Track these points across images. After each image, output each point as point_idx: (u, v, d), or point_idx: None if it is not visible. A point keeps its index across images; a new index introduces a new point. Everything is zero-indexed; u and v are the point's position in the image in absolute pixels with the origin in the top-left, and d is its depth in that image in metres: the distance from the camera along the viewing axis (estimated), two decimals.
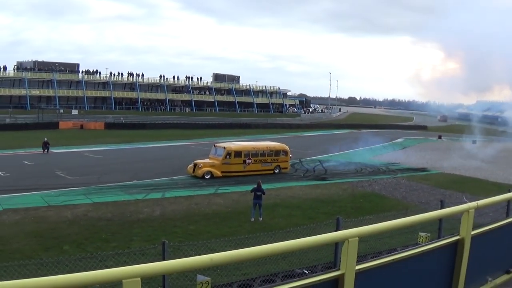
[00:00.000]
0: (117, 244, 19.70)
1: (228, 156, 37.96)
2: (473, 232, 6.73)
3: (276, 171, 40.17)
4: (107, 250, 17.52)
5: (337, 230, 13.41)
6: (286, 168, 41.12)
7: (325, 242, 4.92)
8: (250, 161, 38.83)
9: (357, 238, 4.99)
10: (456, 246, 6.61)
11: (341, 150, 57.93)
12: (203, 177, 36.49)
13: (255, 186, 25.67)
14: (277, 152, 40.60)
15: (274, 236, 14.34)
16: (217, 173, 37.25)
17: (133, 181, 34.22)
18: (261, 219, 24.71)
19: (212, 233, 21.77)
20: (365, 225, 5.27)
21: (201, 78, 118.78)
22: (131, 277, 3.69)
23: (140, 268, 3.78)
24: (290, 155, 42.22)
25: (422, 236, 12.09)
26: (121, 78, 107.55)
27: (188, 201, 28.57)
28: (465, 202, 6.94)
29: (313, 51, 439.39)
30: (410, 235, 14.46)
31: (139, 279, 3.72)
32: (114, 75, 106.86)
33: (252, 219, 24.70)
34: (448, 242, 6.55)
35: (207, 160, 38.16)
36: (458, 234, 6.64)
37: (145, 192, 30.77)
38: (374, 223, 5.39)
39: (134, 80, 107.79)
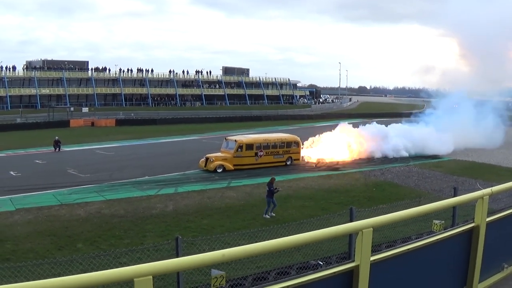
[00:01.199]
0: (130, 241, 19.75)
1: (239, 149, 37.93)
2: (488, 219, 6.65)
3: (288, 162, 40.11)
4: (120, 247, 17.58)
5: (350, 220, 13.36)
6: (298, 159, 41.05)
7: (339, 234, 4.87)
8: (262, 153, 38.78)
9: (371, 228, 4.94)
10: (471, 234, 6.54)
11: None
12: (215, 170, 36.49)
13: (269, 181, 25.03)
14: (288, 144, 40.52)
15: (287, 228, 14.29)
16: (229, 166, 37.24)
17: (145, 177, 34.25)
18: (266, 215, 23.96)
19: (225, 227, 21.80)
20: (378, 215, 5.22)
21: (210, 72, 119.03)
22: (143, 276, 3.67)
23: (151, 266, 3.76)
24: (302, 146, 42.13)
25: (437, 224, 11.94)
26: (131, 74, 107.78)
27: (200, 196, 28.57)
28: (479, 189, 6.85)
29: (322, 42, 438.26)
30: (424, 223, 14.32)
31: (151, 277, 3.70)
32: (123, 71, 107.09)
33: (267, 216, 23.82)
34: (463, 230, 6.48)
35: (218, 154, 38.17)
36: (473, 221, 6.57)
37: (157, 187, 30.79)
38: (388, 213, 5.33)
39: (144, 76, 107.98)
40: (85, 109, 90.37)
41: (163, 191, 29.72)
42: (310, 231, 4.69)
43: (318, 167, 40.24)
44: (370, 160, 43.65)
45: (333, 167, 40.02)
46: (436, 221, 12.26)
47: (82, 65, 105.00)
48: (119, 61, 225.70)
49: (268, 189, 24.63)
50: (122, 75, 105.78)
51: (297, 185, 32.12)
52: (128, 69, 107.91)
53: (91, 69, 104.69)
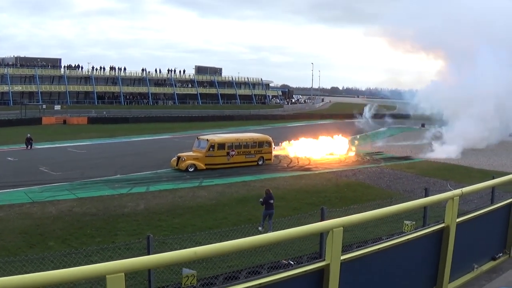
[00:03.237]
0: (102, 239, 19.60)
1: (211, 149, 37.86)
2: (458, 220, 6.72)
3: (260, 162, 40.15)
4: (92, 245, 17.45)
5: (322, 220, 13.40)
6: (270, 159, 41.12)
7: (310, 233, 4.87)
8: (233, 153, 38.77)
9: (342, 228, 4.95)
10: (441, 234, 6.60)
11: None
12: (186, 170, 36.36)
13: (264, 196, 22.33)
14: (260, 144, 40.56)
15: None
16: (201, 165, 37.15)
17: (117, 176, 34.06)
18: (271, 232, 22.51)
19: (197, 226, 21.79)
20: (349, 215, 5.24)
21: (184, 70, 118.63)
22: (115, 273, 3.64)
23: (123, 263, 3.73)
24: (274, 146, 42.25)
25: (407, 225, 12.04)
26: (103, 72, 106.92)
27: (172, 195, 28.49)
28: (450, 190, 6.92)
29: (296, 42, 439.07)
30: (395, 224, 14.46)
31: (123, 274, 3.67)
32: (96, 69, 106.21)
33: (260, 228, 21.13)
34: (433, 230, 6.54)
35: (190, 153, 38.05)
36: (443, 222, 6.63)
37: (129, 186, 30.63)
38: (359, 213, 5.36)
39: (116, 74, 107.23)
40: (57, 107, 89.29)
41: (134, 190, 29.56)
42: (281, 230, 4.69)
43: (290, 167, 40.36)
44: (341, 161, 43.93)
45: (305, 167, 40.17)
46: (407, 222, 12.36)
47: (54, 63, 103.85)
48: (92, 59, 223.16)
49: (266, 202, 22.12)
50: (94, 73, 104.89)
51: (269, 185, 31.99)
52: (100, 67, 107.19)
53: (64, 66, 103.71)
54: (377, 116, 79.42)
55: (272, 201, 22.09)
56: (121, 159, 41.36)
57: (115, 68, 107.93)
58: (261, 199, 22.36)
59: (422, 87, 63.04)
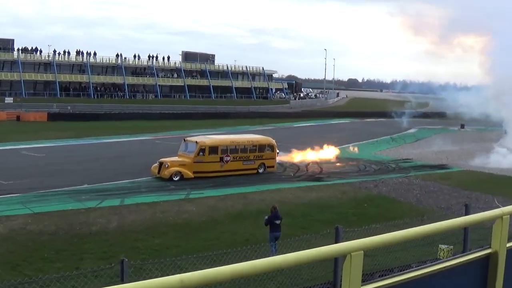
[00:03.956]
0: (63, 265, 19.52)
1: (201, 153, 37.84)
2: (508, 244, 6.67)
3: (261, 170, 40.17)
4: (50, 273, 17.34)
5: (336, 242, 13.38)
6: (273, 166, 41.13)
7: (322, 257, 4.84)
8: (228, 158, 38.74)
9: (362, 252, 4.93)
10: (487, 262, 6.55)
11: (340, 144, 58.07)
12: (170, 178, 36.34)
13: (270, 214, 22.04)
14: (261, 147, 40.56)
15: (258, 250, 14.29)
16: (188, 173, 37.13)
17: (84, 185, 34.05)
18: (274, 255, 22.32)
19: (182, 248, 21.81)
20: (371, 236, 5.21)
21: (168, 57, 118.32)
22: None
23: None
24: (278, 151, 42.21)
25: (443, 250, 12.06)
26: (68, 57, 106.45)
27: (152, 209, 28.48)
28: (498, 207, 6.87)
29: (305, 24, 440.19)
30: (427, 248, 14.49)
31: None
32: (59, 54, 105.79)
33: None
34: (477, 257, 6.49)
35: (175, 158, 38.04)
36: (490, 247, 6.59)
37: (99, 198, 30.60)
38: (382, 233, 5.33)
39: (85, 60, 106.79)
40: (9, 100, 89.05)
41: (106, 203, 29.55)
42: (287, 253, 4.67)
43: (297, 176, 40.36)
44: (360, 169, 43.94)
45: (316, 176, 40.17)
46: (443, 246, 12.34)
47: (6, 44, 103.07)
48: (54, 40, 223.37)
49: (272, 222, 21.78)
50: (57, 58, 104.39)
51: (272, 198, 32.11)
52: (64, 51, 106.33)
53: (18, 49, 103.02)
54: (404, 115, 79.48)
55: (278, 222, 21.74)
56: (89, 165, 41.35)
57: (82, 53, 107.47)
58: (266, 217, 21.98)
59: (487, 82, 62.10)
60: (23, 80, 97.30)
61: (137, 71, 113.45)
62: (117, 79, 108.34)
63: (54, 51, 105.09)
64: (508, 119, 54.75)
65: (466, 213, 14.16)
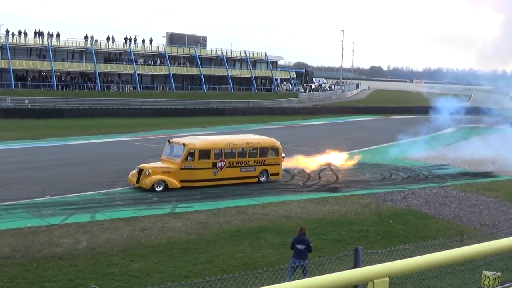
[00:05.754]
0: None
1: (190, 157, 37.83)
2: None
3: (263, 178, 40.17)
4: None
5: (356, 266, 13.37)
6: (278, 173, 41.15)
7: (338, 285, 4.85)
8: (223, 164, 38.72)
9: (387, 278, 4.94)
10: None
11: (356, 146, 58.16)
12: (152, 189, 36.34)
13: (296, 235, 21.87)
14: (263, 151, 40.58)
15: (260, 276, 14.28)
16: (174, 182, 37.12)
17: (46, 197, 34.04)
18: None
19: (167, 274, 21.83)
20: (398, 259, 5.22)
21: (150, 40, 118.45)
22: None
23: None
24: (283, 155, 42.16)
25: (489, 277, 12.01)
26: (25, 39, 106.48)
27: (130, 226, 28.44)
28: None
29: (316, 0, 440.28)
30: (469, 275, 14.45)
31: None
32: (13, 34, 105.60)
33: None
34: None
35: (158, 164, 38.07)
36: None
37: (64, 213, 30.53)
38: (412, 256, 5.34)
39: (45, 42, 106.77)
40: None
41: (73, 219, 29.47)
42: (296, 279, 4.67)
43: (308, 186, 40.33)
44: (385, 177, 43.94)
45: (330, 186, 40.15)
46: (488, 273, 12.27)
47: None
48: (6, 18, 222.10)
49: (296, 246, 21.54)
50: (10, 40, 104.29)
51: (276, 212, 32.17)
52: (20, 32, 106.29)
53: None
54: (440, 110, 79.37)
55: (301, 247, 21.24)
56: (52, 172, 41.40)
57: (42, 34, 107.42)
58: (294, 239, 21.74)
59: None
60: None
61: (111, 56, 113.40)
62: (86, 67, 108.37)
63: (7, 32, 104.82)
64: None
65: None
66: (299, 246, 21.22)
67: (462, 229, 29.12)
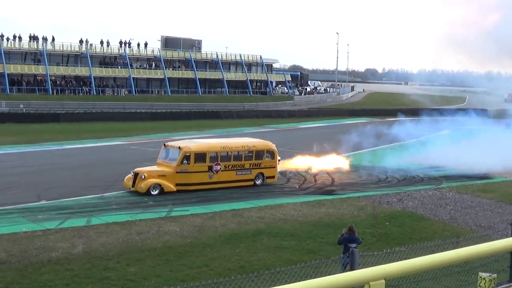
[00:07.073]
0: None
1: (185, 161, 37.83)
2: None
3: (258, 181, 40.21)
4: None
5: (352, 269, 13.36)
6: (273, 176, 41.18)
7: (336, 287, 4.85)
8: (218, 167, 38.73)
9: (383, 280, 4.93)
10: None
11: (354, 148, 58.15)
12: (148, 192, 36.34)
13: (344, 233, 22.23)
14: (259, 154, 40.59)
15: (256, 280, 14.29)
16: (170, 186, 37.12)
17: (42, 202, 33.99)
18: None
19: (163, 278, 21.82)
20: (394, 261, 5.22)
21: (146, 44, 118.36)
22: None
23: None
24: (279, 158, 42.19)
25: (484, 279, 12.00)
26: (20, 44, 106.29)
27: (126, 230, 28.42)
28: None
29: (310, 2, 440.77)
30: (464, 277, 14.45)
31: None
32: (8, 39, 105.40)
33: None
34: None
35: (154, 168, 38.05)
36: None
37: (60, 218, 30.53)
38: (408, 258, 5.34)
39: (40, 46, 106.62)
40: None
41: (68, 224, 29.47)
42: (290, 283, 4.67)
43: (303, 188, 40.35)
44: (380, 179, 43.96)
45: (325, 189, 40.16)
46: (484, 274, 12.27)
47: None
48: (0, 23, 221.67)
49: (345, 244, 21.74)
50: (5, 44, 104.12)
51: (272, 215, 32.17)
52: (14, 36, 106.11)
53: None
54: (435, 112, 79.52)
55: (354, 246, 20.67)
56: (48, 177, 41.39)
57: (37, 38, 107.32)
58: (340, 236, 22.06)
59: None
60: None
61: (106, 60, 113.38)
62: (81, 71, 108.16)
63: (2, 36, 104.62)
64: None
65: None
66: (352, 245, 20.87)
67: (458, 230, 29.13)
